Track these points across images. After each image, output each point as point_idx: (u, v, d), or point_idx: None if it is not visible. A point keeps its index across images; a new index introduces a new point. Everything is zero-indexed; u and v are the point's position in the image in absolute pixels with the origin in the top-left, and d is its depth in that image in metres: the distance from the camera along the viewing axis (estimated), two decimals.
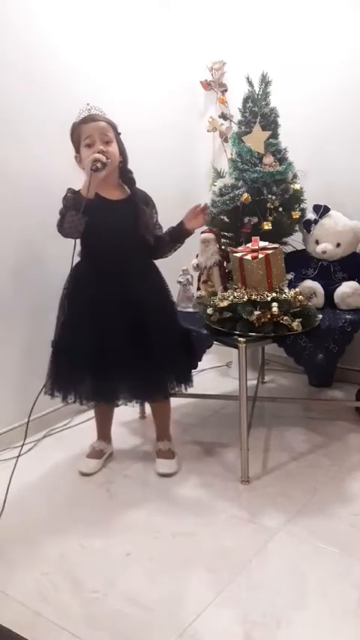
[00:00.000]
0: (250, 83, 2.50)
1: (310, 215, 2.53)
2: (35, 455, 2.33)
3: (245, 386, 2.06)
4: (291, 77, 2.72)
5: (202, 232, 2.36)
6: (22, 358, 2.41)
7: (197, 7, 2.99)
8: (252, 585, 1.60)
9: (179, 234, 2.12)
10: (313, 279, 2.46)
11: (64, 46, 2.38)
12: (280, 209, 2.47)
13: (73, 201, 1.86)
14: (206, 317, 2.14)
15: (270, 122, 2.49)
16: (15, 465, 1.84)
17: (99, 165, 1.84)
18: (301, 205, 2.57)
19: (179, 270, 2.45)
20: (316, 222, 2.48)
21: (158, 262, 2.15)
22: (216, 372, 3.11)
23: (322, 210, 2.47)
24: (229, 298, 2.09)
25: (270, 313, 2.01)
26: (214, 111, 3.08)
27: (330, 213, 2.47)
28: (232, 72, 2.96)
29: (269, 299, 2.05)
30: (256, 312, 2.01)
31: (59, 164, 2.37)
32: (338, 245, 2.46)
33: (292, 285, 2.42)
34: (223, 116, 3.01)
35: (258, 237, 2.25)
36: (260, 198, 2.46)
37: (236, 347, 2.01)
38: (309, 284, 2.41)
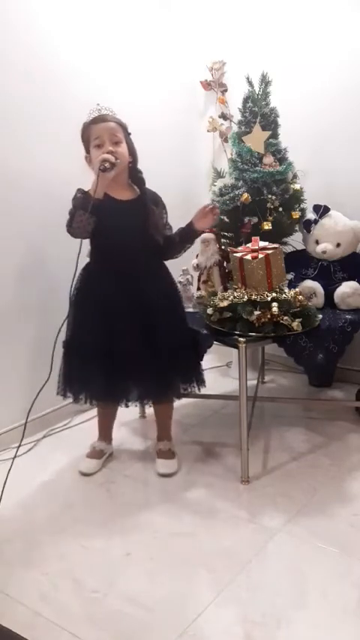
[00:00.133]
0: (250, 83, 2.50)
1: (310, 215, 2.53)
2: (35, 455, 2.33)
3: (245, 386, 2.06)
4: (291, 77, 2.72)
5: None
6: (24, 358, 2.41)
7: (197, 7, 2.99)
8: (252, 585, 1.60)
9: (189, 234, 2.11)
10: (313, 279, 2.46)
11: (64, 46, 2.38)
12: (280, 209, 2.47)
13: (82, 201, 1.86)
14: (206, 317, 2.14)
15: (270, 122, 2.50)
16: (11, 464, 1.84)
17: (107, 165, 1.84)
18: (301, 205, 2.57)
19: (179, 270, 2.45)
20: (316, 222, 2.48)
21: None
22: (216, 372, 3.11)
23: (322, 210, 2.47)
24: (229, 298, 2.09)
25: (270, 313, 2.01)
26: (214, 111, 3.08)
27: (330, 213, 2.47)
28: (232, 72, 2.96)
29: (269, 299, 2.05)
30: (256, 312, 2.01)
31: (59, 164, 2.38)
32: (338, 245, 2.46)
33: (292, 285, 2.42)
34: (223, 116, 3.01)
35: (258, 237, 2.25)
36: (260, 198, 2.46)
37: (236, 347, 2.01)
38: (309, 284, 2.41)
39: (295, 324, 2.02)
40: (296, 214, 2.51)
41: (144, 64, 2.77)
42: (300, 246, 2.61)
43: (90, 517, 1.92)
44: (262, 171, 2.44)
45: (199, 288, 2.48)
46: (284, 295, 2.09)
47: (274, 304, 2.02)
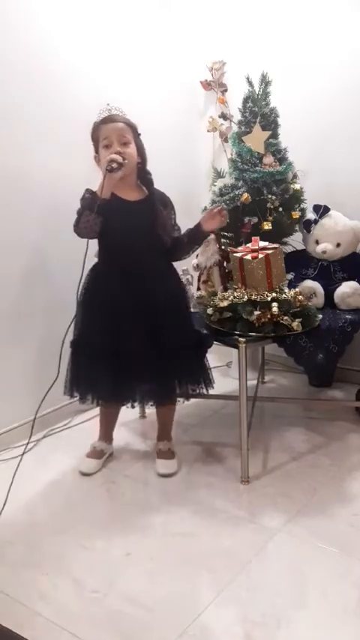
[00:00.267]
0: (250, 83, 2.50)
1: (310, 215, 2.53)
2: (35, 455, 2.33)
3: (245, 386, 2.06)
4: (291, 77, 2.72)
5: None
6: (29, 359, 2.41)
7: (197, 7, 2.99)
8: (252, 585, 1.60)
9: (197, 235, 2.11)
10: (313, 279, 2.46)
11: (64, 46, 2.38)
12: (280, 209, 2.47)
13: (89, 201, 1.86)
14: (206, 317, 2.14)
15: (270, 122, 2.50)
16: (19, 462, 1.84)
17: (114, 165, 1.84)
18: (301, 205, 2.57)
19: (179, 270, 2.44)
20: (316, 222, 2.48)
21: None
22: (216, 372, 3.08)
23: (322, 210, 2.47)
24: (229, 298, 2.10)
25: (270, 313, 2.01)
26: (214, 111, 3.08)
27: (330, 213, 2.47)
28: (232, 72, 2.96)
29: (269, 299, 2.05)
30: (256, 312, 2.01)
31: (59, 164, 2.38)
32: (338, 245, 2.46)
33: (292, 285, 2.42)
34: (223, 116, 3.01)
35: (258, 237, 2.25)
36: (260, 198, 2.46)
37: (236, 347, 2.01)
38: (309, 284, 2.41)
39: (295, 324, 2.02)
40: (296, 214, 2.51)
41: (144, 64, 2.77)
42: (300, 246, 2.61)
43: (90, 517, 1.92)
44: (262, 171, 2.44)
45: (199, 288, 2.48)
46: (284, 295, 2.09)
47: (274, 304, 2.03)
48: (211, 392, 2.20)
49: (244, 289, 2.14)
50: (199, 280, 2.49)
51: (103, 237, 1.96)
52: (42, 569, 1.67)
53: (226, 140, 2.96)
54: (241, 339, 2.00)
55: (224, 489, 2.05)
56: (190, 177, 3.06)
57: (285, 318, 2.02)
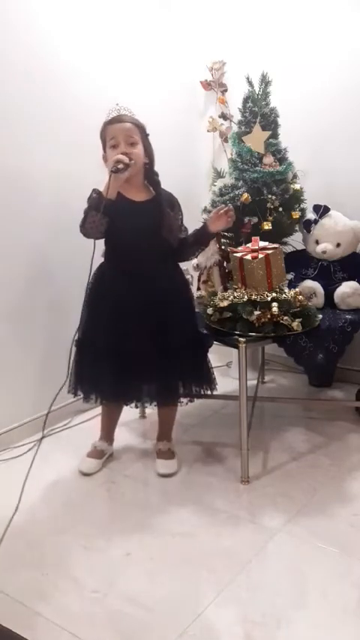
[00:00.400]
0: (250, 83, 2.50)
1: (310, 215, 2.53)
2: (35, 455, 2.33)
3: (245, 386, 2.06)
4: (291, 77, 2.72)
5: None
6: (24, 360, 2.41)
7: (197, 7, 2.99)
8: (252, 585, 1.60)
9: (203, 236, 2.11)
10: (313, 279, 2.46)
11: (64, 46, 2.38)
12: (280, 209, 2.47)
13: (96, 201, 1.86)
14: (206, 317, 2.14)
15: (270, 122, 2.50)
16: (33, 459, 1.84)
17: (120, 166, 1.84)
18: (301, 205, 2.57)
19: None
20: (316, 222, 2.48)
21: None
22: (216, 372, 3.07)
23: (322, 210, 2.47)
24: (229, 298, 2.10)
25: (270, 313, 2.01)
26: (214, 111, 3.08)
27: (330, 213, 2.47)
28: (232, 72, 2.96)
29: (269, 299, 2.05)
30: (256, 312, 2.01)
31: (60, 164, 2.38)
32: (338, 245, 2.46)
33: (292, 285, 2.42)
34: (223, 116, 3.01)
35: (258, 237, 2.25)
36: (260, 198, 2.46)
37: (236, 347, 2.01)
38: (309, 284, 2.41)
39: (295, 324, 2.02)
40: (296, 214, 2.51)
41: (144, 64, 2.77)
42: (300, 246, 2.61)
43: (90, 517, 1.92)
44: (262, 171, 2.44)
45: (199, 288, 2.48)
46: (284, 295, 2.09)
47: (274, 304, 2.03)
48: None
49: (244, 289, 2.14)
50: (199, 280, 2.49)
51: (110, 237, 1.96)
52: (42, 569, 1.67)
53: (226, 140, 2.96)
54: (241, 339, 2.00)
55: (224, 489, 2.05)
56: (190, 177, 3.05)
57: (285, 318, 2.02)
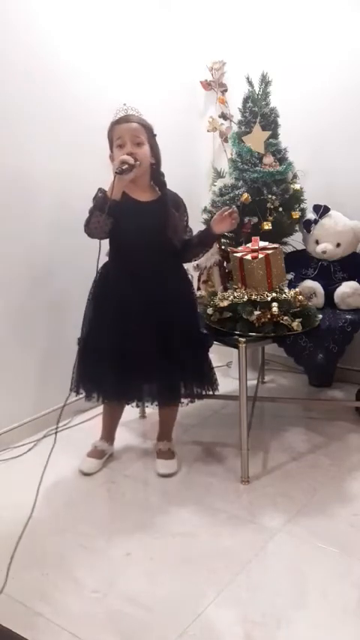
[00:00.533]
0: (250, 83, 2.50)
1: (310, 215, 2.53)
2: (35, 455, 2.33)
3: (245, 386, 2.06)
4: (291, 77, 2.72)
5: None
6: (25, 360, 2.41)
7: (197, 7, 2.99)
8: (252, 585, 1.60)
9: (207, 237, 2.11)
10: (313, 279, 2.46)
11: (64, 46, 2.38)
12: (280, 209, 2.47)
13: (101, 201, 1.86)
14: (206, 317, 2.14)
15: (270, 122, 2.49)
16: (48, 457, 1.81)
17: (124, 167, 1.83)
18: (301, 205, 2.57)
19: None
20: (316, 222, 2.48)
21: None
22: (216, 372, 3.11)
23: (322, 210, 2.47)
24: (229, 298, 2.10)
25: (270, 313, 2.01)
26: (214, 111, 3.08)
27: (330, 213, 2.47)
28: (232, 72, 2.96)
29: (269, 299, 2.05)
30: (256, 312, 2.01)
31: (60, 164, 2.38)
32: (338, 245, 2.46)
33: (292, 285, 2.42)
34: (223, 116, 3.01)
35: (258, 237, 2.25)
36: (260, 198, 2.46)
37: (236, 347, 2.01)
38: (309, 284, 2.41)
39: (295, 324, 2.02)
40: (296, 214, 2.51)
41: (144, 64, 2.77)
42: (300, 246, 2.61)
43: (90, 517, 1.92)
44: (262, 171, 2.44)
45: (199, 288, 2.48)
46: (284, 295, 2.09)
47: (274, 304, 2.03)
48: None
49: (244, 289, 2.14)
50: (199, 280, 2.49)
51: (114, 237, 1.96)
52: (42, 569, 1.67)
53: (226, 140, 2.96)
54: (241, 339, 2.00)
55: (224, 489, 2.05)
56: (190, 177, 3.05)
57: (285, 318, 2.02)
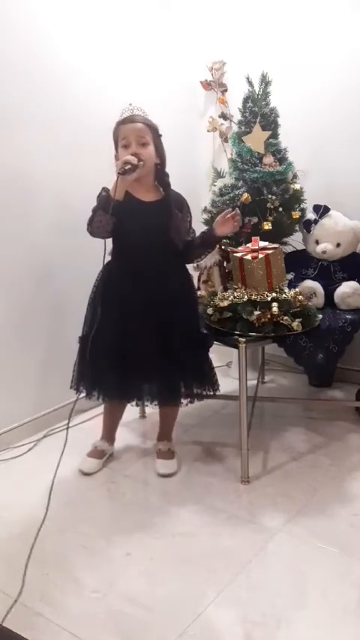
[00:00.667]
0: (250, 83, 2.50)
1: (310, 215, 2.53)
2: (35, 455, 2.33)
3: (245, 386, 2.06)
4: (291, 77, 2.72)
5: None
6: (25, 360, 2.41)
7: (197, 7, 2.99)
8: (252, 585, 1.60)
9: (209, 239, 2.11)
10: (313, 279, 2.46)
11: (64, 46, 2.38)
12: (280, 209, 2.47)
13: (104, 200, 1.86)
14: (206, 317, 2.14)
15: (270, 122, 2.49)
16: (61, 455, 1.83)
17: (127, 167, 1.83)
18: (301, 205, 2.57)
19: None
20: (316, 222, 2.48)
21: None
22: (216, 372, 3.11)
23: (322, 210, 2.47)
24: (229, 298, 2.10)
25: (270, 313, 2.01)
26: (214, 111, 3.08)
27: (330, 213, 2.47)
28: (232, 72, 2.96)
29: (269, 299, 2.05)
30: (256, 312, 2.01)
31: (60, 164, 2.38)
32: (338, 245, 2.46)
33: (292, 285, 2.42)
34: (223, 116, 3.01)
35: (258, 237, 2.25)
36: (260, 198, 2.46)
37: (236, 347, 2.01)
38: (309, 284, 2.41)
39: (295, 324, 2.02)
40: (296, 214, 2.51)
41: (144, 64, 2.77)
42: (300, 246, 2.61)
43: (90, 517, 1.92)
44: (262, 171, 2.44)
45: (199, 288, 2.48)
46: (284, 295, 2.09)
47: (274, 304, 2.03)
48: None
49: (244, 289, 2.14)
50: (199, 280, 2.49)
51: (117, 236, 1.96)
52: (42, 569, 1.67)
53: (226, 140, 2.95)
54: (241, 339, 2.00)
55: (224, 489, 2.05)
56: (190, 177, 3.05)
57: (285, 318, 2.02)
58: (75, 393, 2.13)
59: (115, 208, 1.85)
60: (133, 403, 2.19)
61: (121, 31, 2.64)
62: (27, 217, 2.33)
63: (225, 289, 2.32)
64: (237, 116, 2.61)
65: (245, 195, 2.43)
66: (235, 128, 2.68)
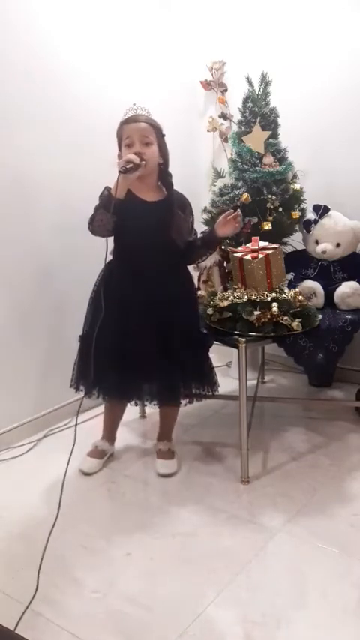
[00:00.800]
0: (250, 83, 2.50)
1: (310, 215, 2.53)
2: (35, 454, 2.33)
3: (245, 386, 2.06)
4: (291, 77, 2.72)
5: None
6: (25, 360, 2.41)
7: (197, 7, 2.99)
8: (252, 585, 1.60)
9: (211, 240, 2.11)
10: (313, 279, 2.46)
11: (64, 46, 2.38)
12: (280, 209, 2.47)
13: (106, 199, 1.86)
14: (206, 317, 2.14)
15: (270, 122, 2.49)
16: (70, 453, 1.82)
17: (128, 166, 1.83)
18: (301, 205, 2.57)
19: None
20: (316, 222, 2.48)
21: None
22: (216, 372, 3.11)
23: (322, 210, 2.47)
24: (229, 298, 2.10)
25: (270, 313, 2.01)
26: (214, 111, 3.08)
27: (330, 213, 2.47)
28: (232, 72, 2.96)
29: (269, 299, 2.05)
30: (256, 312, 2.01)
31: (60, 164, 2.38)
32: (338, 245, 2.46)
33: (292, 285, 2.42)
34: (223, 116, 3.01)
35: (258, 237, 2.25)
36: (260, 198, 2.46)
37: (236, 347, 2.01)
38: (309, 284, 2.41)
39: (295, 324, 2.02)
40: (296, 214, 2.51)
41: (144, 64, 2.77)
42: (300, 246, 2.61)
43: (90, 517, 1.92)
44: (262, 171, 2.44)
45: (199, 288, 2.48)
46: (284, 295, 2.09)
47: (274, 304, 2.03)
48: None
49: (244, 289, 2.14)
50: (199, 280, 2.49)
51: (119, 235, 1.97)
52: (42, 569, 1.66)
53: (226, 140, 2.95)
54: (241, 339, 2.00)
55: (224, 489, 2.05)
56: (190, 177, 3.04)
57: (285, 318, 2.02)
58: (75, 392, 2.13)
59: (117, 207, 1.85)
60: (133, 403, 2.19)
61: (121, 31, 2.64)
62: (27, 217, 2.33)
63: (225, 289, 2.32)
64: (237, 116, 2.61)
65: (245, 195, 2.43)
66: (235, 128, 2.68)
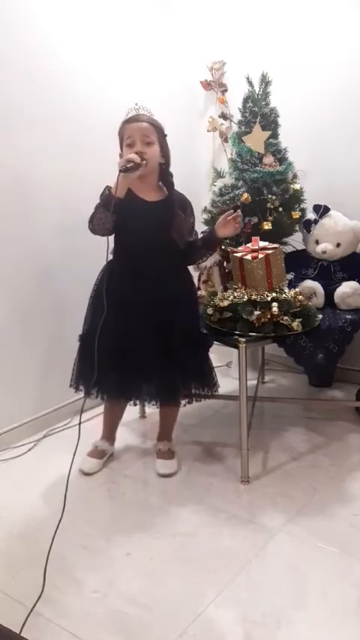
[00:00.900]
0: (250, 83, 2.50)
1: (310, 215, 2.53)
2: (35, 454, 2.33)
3: (245, 386, 2.06)
4: (291, 77, 2.72)
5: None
6: (25, 360, 2.41)
7: (197, 7, 2.99)
8: (252, 585, 1.60)
9: (211, 241, 2.11)
10: (313, 279, 2.46)
11: (64, 46, 2.38)
12: (280, 209, 2.47)
13: (106, 198, 1.86)
14: (206, 317, 2.14)
15: (270, 122, 2.49)
16: (79, 435, 1.83)
17: (129, 165, 1.83)
18: (301, 205, 2.57)
19: None
20: (316, 222, 2.48)
21: None
22: (216, 372, 3.10)
23: (322, 210, 2.47)
24: (229, 298, 2.10)
25: (270, 313, 2.01)
26: (214, 111, 3.08)
27: (330, 213, 2.47)
28: (232, 72, 2.96)
29: (269, 299, 2.05)
30: (256, 312, 2.01)
31: (59, 164, 2.38)
32: (338, 245, 2.46)
33: (292, 285, 2.42)
34: (223, 116, 3.01)
35: (258, 237, 2.25)
36: (260, 198, 2.46)
37: (236, 347, 2.01)
38: (309, 284, 2.41)
39: (295, 324, 2.02)
40: (296, 214, 2.51)
41: (144, 64, 2.77)
42: (300, 246, 2.61)
43: (90, 517, 1.92)
44: (262, 171, 2.44)
45: (199, 288, 2.48)
46: (284, 295, 2.09)
47: (274, 304, 2.03)
48: None
49: (244, 289, 2.14)
50: (199, 280, 2.49)
51: (119, 235, 1.97)
52: (42, 569, 1.67)
53: (226, 140, 2.95)
54: (241, 339, 2.00)
55: (224, 489, 2.05)
56: (190, 177, 3.04)
57: (285, 318, 2.02)
58: (74, 391, 2.13)
59: (117, 207, 1.85)
60: (133, 403, 2.19)
61: (121, 31, 2.64)
62: (27, 217, 2.33)
63: (225, 289, 2.32)
64: (237, 116, 2.61)
65: (245, 195, 2.43)
66: (235, 128, 2.68)
